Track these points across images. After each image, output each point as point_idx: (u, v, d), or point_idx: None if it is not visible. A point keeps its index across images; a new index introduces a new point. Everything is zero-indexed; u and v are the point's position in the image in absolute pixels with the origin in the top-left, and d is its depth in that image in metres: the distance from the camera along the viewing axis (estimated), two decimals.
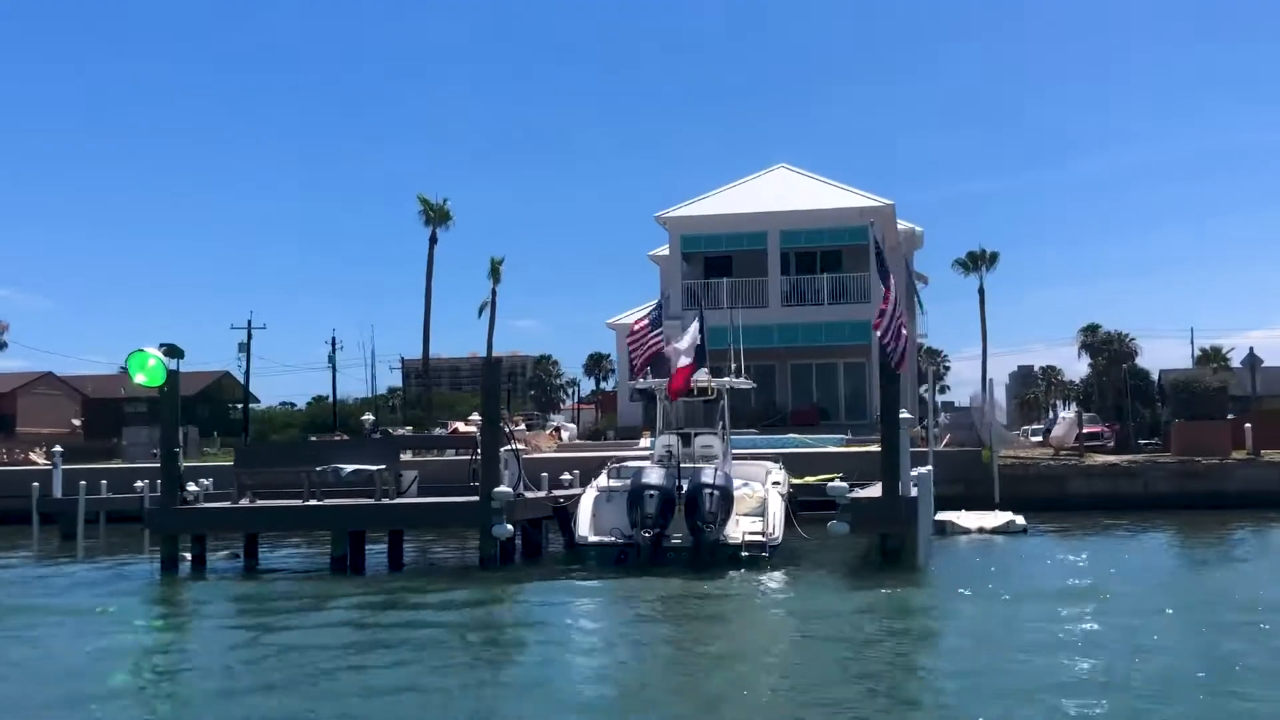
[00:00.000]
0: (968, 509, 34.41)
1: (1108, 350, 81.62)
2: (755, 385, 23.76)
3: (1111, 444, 40.85)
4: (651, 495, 20.50)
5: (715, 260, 49.30)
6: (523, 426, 40.79)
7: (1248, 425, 36.43)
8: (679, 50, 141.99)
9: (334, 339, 74.58)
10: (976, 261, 66.53)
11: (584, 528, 21.59)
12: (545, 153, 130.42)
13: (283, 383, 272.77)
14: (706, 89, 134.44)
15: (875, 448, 35.49)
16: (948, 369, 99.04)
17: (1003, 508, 34.38)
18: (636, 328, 23.76)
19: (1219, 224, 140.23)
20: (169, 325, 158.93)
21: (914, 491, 19.94)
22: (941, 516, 26.72)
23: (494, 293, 61.88)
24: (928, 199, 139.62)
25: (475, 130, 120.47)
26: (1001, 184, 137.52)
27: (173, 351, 21.50)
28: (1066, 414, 39.26)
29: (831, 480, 24.34)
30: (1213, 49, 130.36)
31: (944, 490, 34.40)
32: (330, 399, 73.49)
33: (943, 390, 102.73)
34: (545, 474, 29.18)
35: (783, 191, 48.28)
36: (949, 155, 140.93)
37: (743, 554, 20.25)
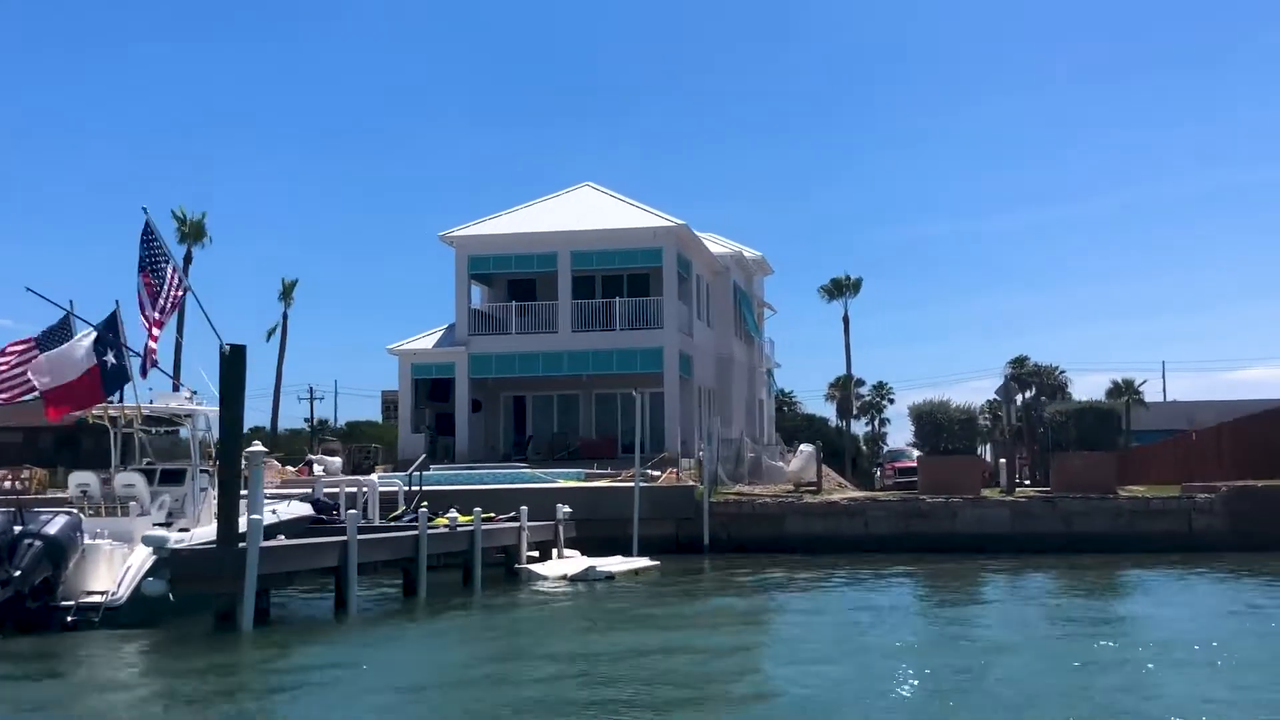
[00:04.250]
0: (679, 551, 31.82)
1: (1036, 383, 77.80)
2: (191, 412, 19.83)
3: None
4: None
5: (518, 283, 46.91)
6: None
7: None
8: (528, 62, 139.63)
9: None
10: (840, 288, 63.44)
11: None
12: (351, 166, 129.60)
13: None
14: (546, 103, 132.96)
15: (625, 483, 33.45)
16: (891, 403, 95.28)
17: (715, 549, 31.88)
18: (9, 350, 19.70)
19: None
20: None
21: (285, 537, 17.19)
22: (529, 565, 23.99)
23: (285, 316, 59.70)
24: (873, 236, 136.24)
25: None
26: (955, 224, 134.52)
27: None
28: (806, 447, 36.14)
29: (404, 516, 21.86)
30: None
31: (655, 530, 31.95)
32: None
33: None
34: None
35: (582, 211, 45.82)
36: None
37: (69, 617, 16.96)
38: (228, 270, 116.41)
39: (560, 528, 27.23)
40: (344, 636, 16.33)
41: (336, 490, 29.31)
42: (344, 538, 18.02)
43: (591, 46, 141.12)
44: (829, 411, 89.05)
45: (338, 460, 44.01)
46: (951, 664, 13.84)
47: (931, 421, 33.66)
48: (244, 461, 16.99)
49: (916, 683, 12.69)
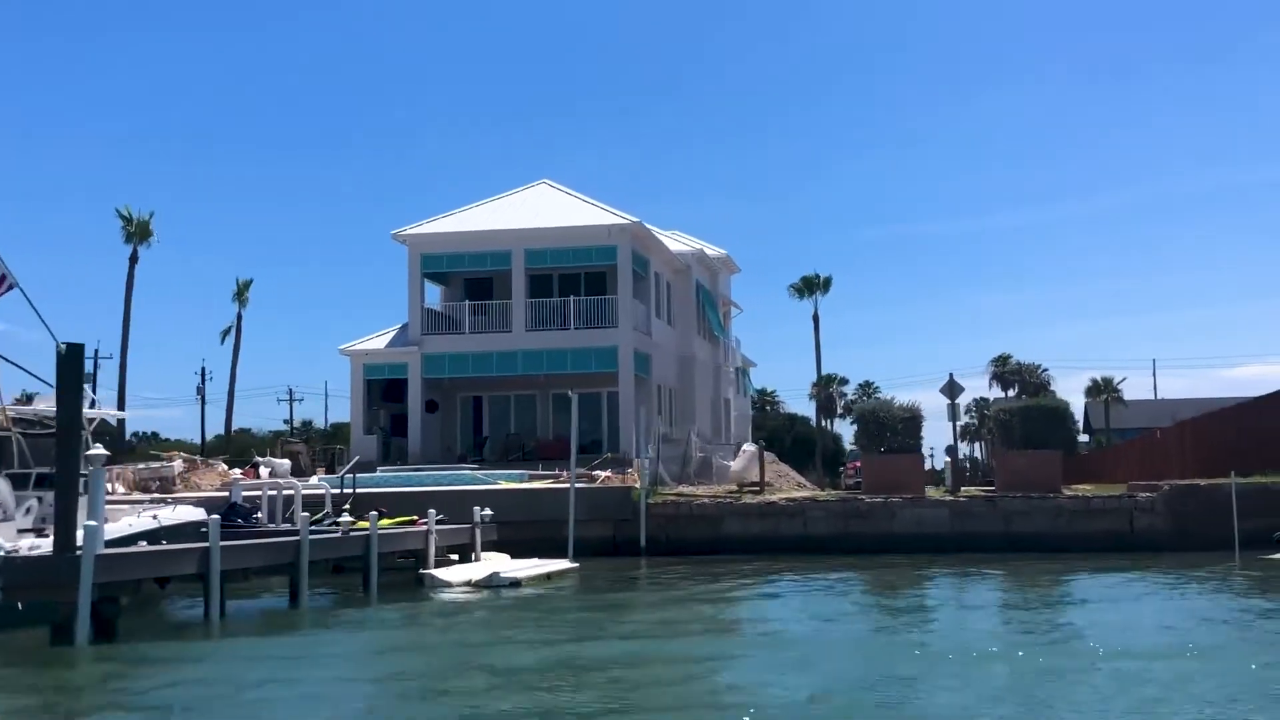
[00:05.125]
0: (617, 553, 31.25)
1: (1018, 381, 77.15)
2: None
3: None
4: None
5: (476, 282, 46.34)
6: (179, 462, 37.69)
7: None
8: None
9: (203, 369, 72.32)
10: (811, 287, 62.73)
11: None
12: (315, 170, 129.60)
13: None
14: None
15: (563, 484, 32.84)
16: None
17: (651, 551, 31.32)
18: None
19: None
20: None
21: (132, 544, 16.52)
22: (433, 570, 23.39)
23: (239, 317, 59.19)
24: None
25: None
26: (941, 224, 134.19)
27: None
28: (749, 447, 35.52)
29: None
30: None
31: (593, 532, 31.38)
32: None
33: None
34: None
35: (538, 209, 45.22)
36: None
37: None
38: (179, 271, 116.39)
39: (478, 531, 26.65)
40: (191, 652, 15.47)
41: (259, 494, 28.79)
42: (207, 544, 17.40)
43: (571, 41, 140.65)
44: (813, 411, 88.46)
45: (286, 463, 43.48)
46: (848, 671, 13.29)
47: (874, 421, 33.05)
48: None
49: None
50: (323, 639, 17.01)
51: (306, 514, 20.50)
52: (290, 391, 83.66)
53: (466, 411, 46.49)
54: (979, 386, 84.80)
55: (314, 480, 34.80)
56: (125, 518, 19.67)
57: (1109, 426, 71.33)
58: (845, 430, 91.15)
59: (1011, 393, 78.03)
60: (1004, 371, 78.81)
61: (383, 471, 38.92)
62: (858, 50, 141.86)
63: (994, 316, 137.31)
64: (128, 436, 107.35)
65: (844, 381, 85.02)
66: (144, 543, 18.41)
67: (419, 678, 13.56)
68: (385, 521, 27.77)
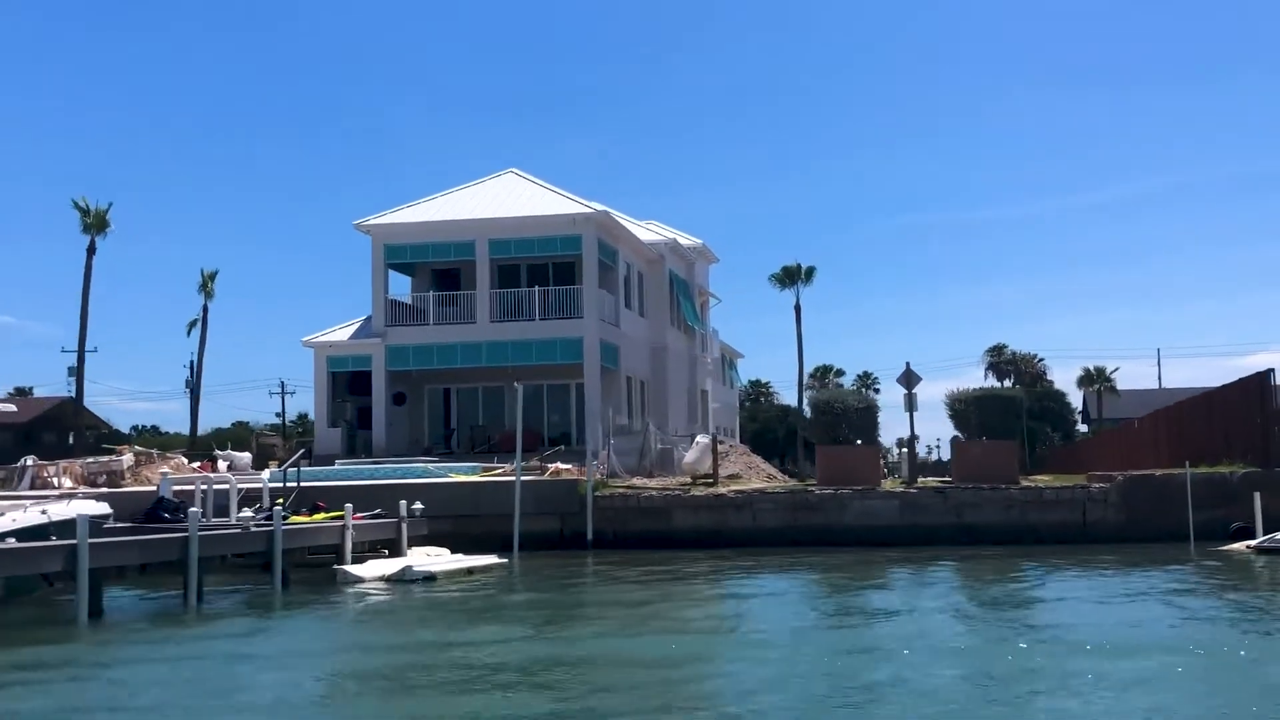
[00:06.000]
0: (564, 546, 30.65)
1: (1014, 370, 76.20)
2: None
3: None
4: None
5: (444, 273, 45.80)
6: (129, 456, 37.19)
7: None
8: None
9: (193, 364, 71.89)
10: (792, 276, 61.91)
11: None
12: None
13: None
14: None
15: (509, 477, 32.20)
16: (876, 392, 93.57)
17: (600, 544, 30.72)
18: None
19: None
20: None
21: None
22: (347, 566, 22.81)
23: (205, 309, 58.82)
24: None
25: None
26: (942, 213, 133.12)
27: None
28: (702, 438, 34.84)
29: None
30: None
31: (539, 526, 30.80)
32: None
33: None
34: None
35: (503, 198, 44.63)
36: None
37: None
38: (140, 262, 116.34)
39: (404, 525, 26.07)
40: (43, 657, 14.89)
41: (192, 489, 28.30)
42: (74, 541, 16.83)
43: (552, 28, 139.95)
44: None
45: (246, 456, 43.13)
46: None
47: (829, 411, 32.33)
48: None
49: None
50: (185, 640, 16.38)
51: (196, 509, 19.82)
52: (282, 384, 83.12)
53: (436, 404, 45.97)
54: (974, 377, 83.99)
55: (265, 475, 34.23)
56: (10, 513, 19.17)
57: (1101, 416, 70.24)
58: None
59: (1008, 383, 77.06)
60: (999, 361, 77.85)
61: (340, 465, 38.42)
62: (851, 38, 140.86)
63: (994, 307, 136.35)
64: (127, 430, 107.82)
65: (840, 373, 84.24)
66: (13, 540, 17.87)
67: (253, 687, 12.85)
68: (319, 516, 27.33)
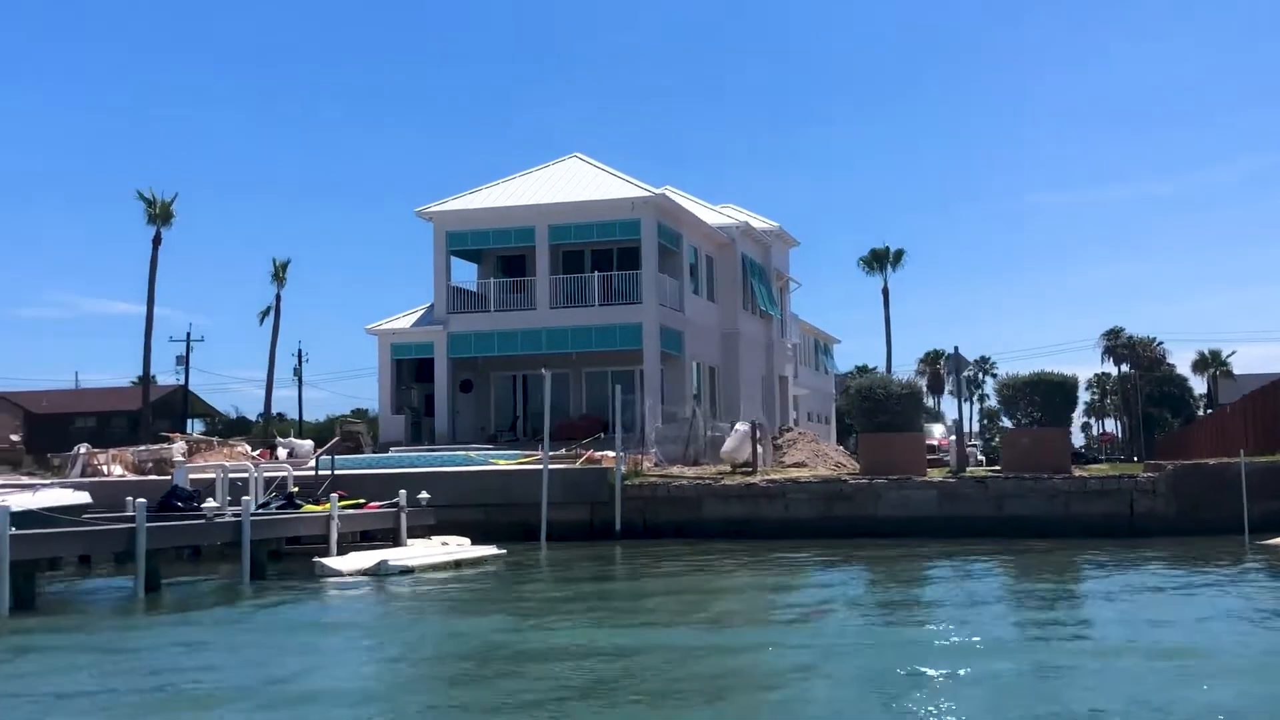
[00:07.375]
0: (592, 536, 29.98)
1: (1131, 355, 72.92)
2: None
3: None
4: None
5: (510, 259, 45.44)
6: (180, 444, 37.59)
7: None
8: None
9: (299, 351, 73.27)
10: (880, 260, 59.90)
11: None
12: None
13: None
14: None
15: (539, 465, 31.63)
16: (994, 376, 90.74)
17: (629, 535, 30.00)
18: None
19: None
20: None
21: None
22: (325, 559, 22.43)
23: (278, 298, 59.16)
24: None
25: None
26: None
27: None
28: (741, 425, 33.72)
29: None
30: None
31: (568, 515, 30.21)
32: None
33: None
34: None
35: (565, 183, 44.05)
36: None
37: None
38: (205, 251, 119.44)
39: (402, 515, 25.64)
40: None
41: (213, 477, 28.38)
42: None
43: (636, 11, 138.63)
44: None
45: (308, 443, 43.39)
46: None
47: (870, 398, 31.01)
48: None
49: None
50: (99, 630, 16.07)
51: (143, 500, 19.44)
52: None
53: (504, 391, 45.65)
54: (1090, 361, 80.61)
55: (247, 464, 33.83)
56: None
57: (1216, 401, 66.60)
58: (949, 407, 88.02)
59: (1125, 368, 73.86)
60: (1116, 345, 74.55)
61: (394, 452, 38.36)
62: (961, 15, 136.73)
63: (1113, 289, 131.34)
64: (254, 417, 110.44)
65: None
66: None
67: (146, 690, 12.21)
68: (343, 504, 27.09)
